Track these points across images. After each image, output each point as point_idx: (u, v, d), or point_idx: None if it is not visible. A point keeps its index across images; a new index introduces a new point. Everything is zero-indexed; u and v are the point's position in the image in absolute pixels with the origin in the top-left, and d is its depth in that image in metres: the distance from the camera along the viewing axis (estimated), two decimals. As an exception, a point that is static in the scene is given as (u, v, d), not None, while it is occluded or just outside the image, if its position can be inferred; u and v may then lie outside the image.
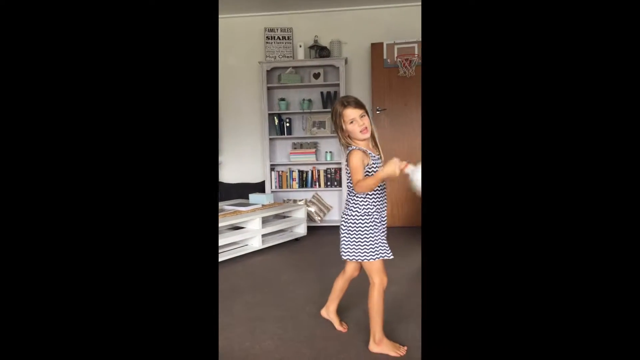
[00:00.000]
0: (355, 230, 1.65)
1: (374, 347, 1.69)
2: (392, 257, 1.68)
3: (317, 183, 4.40)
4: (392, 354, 1.65)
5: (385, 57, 4.12)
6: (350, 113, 1.61)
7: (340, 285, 1.90)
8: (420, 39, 4.07)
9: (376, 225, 1.65)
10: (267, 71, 4.22)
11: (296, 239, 3.76)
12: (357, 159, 1.59)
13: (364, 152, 1.63)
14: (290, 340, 1.82)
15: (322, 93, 4.32)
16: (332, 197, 4.51)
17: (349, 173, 1.64)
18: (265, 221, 3.53)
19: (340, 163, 4.34)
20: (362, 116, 1.62)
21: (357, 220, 1.65)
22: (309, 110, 4.30)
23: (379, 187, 1.66)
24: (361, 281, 2.54)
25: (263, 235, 3.43)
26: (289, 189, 4.42)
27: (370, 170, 1.63)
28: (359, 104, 1.63)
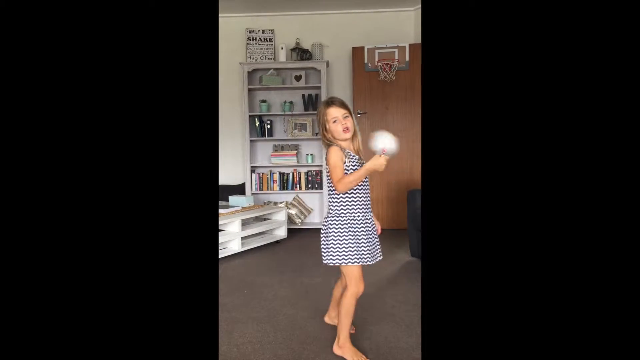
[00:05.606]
0: (334, 233, 1.63)
1: (336, 350, 1.69)
2: (371, 263, 1.65)
3: (298, 185, 4.40)
4: None
5: (366, 61, 4.15)
6: (333, 112, 1.63)
7: (338, 292, 1.86)
8: (399, 44, 4.12)
9: (357, 228, 1.63)
10: (248, 72, 4.21)
11: (276, 242, 3.75)
12: (335, 156, 1.59)
13: (343, 150, 1.63)
14: (268, 343, 1.81)
15: (303, 95, 4.33)
16: (312, 199, 4.52)
17: (328, 172, 1.64)
18: (245, 223, 3.51)
19: (321, 165, 4.35)
20: (345, 116, 1.63)
21: (338, 222, 1.63)
22: (290, 113, 4.30)
23: (360, 188, 1.63)
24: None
25: (243, 238, 3.41)
26: (269, 191, 4.41)
27: (348, 170, 1.61)
28: (343, 105, 1.65)
